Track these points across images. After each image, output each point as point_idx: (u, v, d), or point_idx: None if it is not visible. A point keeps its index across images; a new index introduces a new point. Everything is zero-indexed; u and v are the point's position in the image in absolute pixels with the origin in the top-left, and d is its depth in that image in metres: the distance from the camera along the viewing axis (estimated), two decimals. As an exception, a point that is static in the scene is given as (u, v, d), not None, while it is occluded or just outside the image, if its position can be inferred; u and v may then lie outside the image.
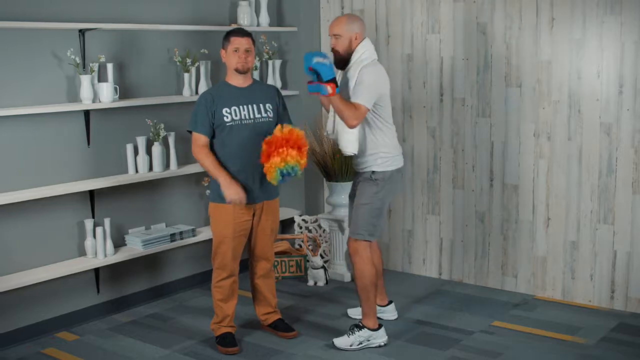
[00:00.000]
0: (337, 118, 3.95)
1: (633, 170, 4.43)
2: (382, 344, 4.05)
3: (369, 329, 4.02)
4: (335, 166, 5.19)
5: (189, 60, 4.90)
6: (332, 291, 5.08)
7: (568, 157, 4.64)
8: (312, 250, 5.34)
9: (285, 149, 3.67)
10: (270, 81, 5.52)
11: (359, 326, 4.03)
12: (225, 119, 3.88)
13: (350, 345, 4.00)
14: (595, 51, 4.47)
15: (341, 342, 4.02)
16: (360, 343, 4.01)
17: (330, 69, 3.71)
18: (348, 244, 4.05)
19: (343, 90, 3.91)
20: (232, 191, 3.83)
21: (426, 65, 5.15)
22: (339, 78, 4.02)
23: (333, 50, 3.97)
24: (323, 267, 5.22)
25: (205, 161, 3.89)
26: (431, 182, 5.24)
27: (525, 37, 4.70)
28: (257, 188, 3.98)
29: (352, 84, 3.85)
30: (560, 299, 4.78)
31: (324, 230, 5.51)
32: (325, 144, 5.27)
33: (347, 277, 5.30)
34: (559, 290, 4.78)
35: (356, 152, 3.94)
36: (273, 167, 3.68)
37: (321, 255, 5.51)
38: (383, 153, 3.96)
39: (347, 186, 5.24)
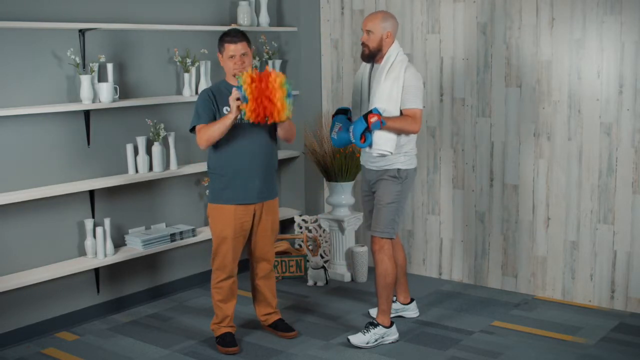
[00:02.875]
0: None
1: (633, 170, 4.43)
2: (395, 340, 4.10)
3: (383, 326, 4.06)
4: (335, 166, 5.19)
5: (189, 60, 4.90)
6: (332, 291, 5.08)
7: (568, 157, 4.64)
8: (312, 250, 5.34)
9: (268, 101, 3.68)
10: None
11: (374, 324, 4.06)
12: None
13: (367, 343, 4.03)
14: (595, 51, 4.47)
15: (357, 339, 4.04)
16: (376, 340, 4.04)
17: (358, 124, 3.82)
18: (372, 242, 4.07)
19: (391, 94, 3.92)
20: (232, 98, 3.73)
21: (426, 65, 5.15)
22: (368, 71, 4.07)
23: (363, 44, 4.01)
24: (323, 267, 5.22)
25: (208, 131, 3.81)
26: (431, 182, 5.24)
27: (525, 37, 4.70)
28: (257, 187, 3.98)
29: (397, 84, 3.90)
30: (560, 299, 4.78)
31: (324, 230, 5.51)
32: (325, 144, 5.27)
33: (347, 277, 5.30)
34: (559, 290, 4.78)
35: (393, 152, 3.95)
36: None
37: (321, 255, 5.51)
38: (406, 151, 4.01)
39: (347, 186, 5.24)
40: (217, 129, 3.81)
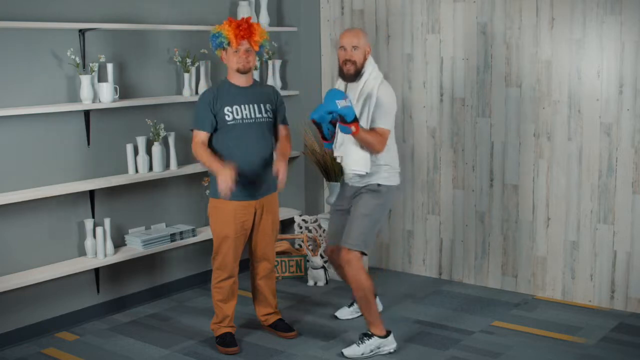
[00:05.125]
0: (344, 137, 3.91)
1: (633, 170, 4.43)
2: (392, 350, 4.00)
3: (378, 336, 3.97)
4: (335, 166, 5.19)
5: (189, 60, 4.90)
6: (332, 291, 5.08)
7: (568, 157, 4.64)
8: (312, 250, 5.34)
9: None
10: (270, 81, 5.51)
11: (368, 335, 3.97)
12: (227, 117, 3.89)
13: (362, 354, 3.94)
14: (595, 51, 4.47)
15: (351, 351, 3.95)
16: (371, 351, 3.96)
17: (352, 109, 3.72)
18: (340, 254, 3.95)
19: (363, 111, 3.87)
20: (223, 179, 3.74)
21: (426, 65, 5.15)
22: (342, 89, 4.00)
23: (348, 61, 3.90)
24: (323, 267, 5.22)
25: (202, 155, 3.88)
26: (431, 182, 5.24)
27: (525, 37, 4.70)
28: (256, 185, 3.99)
29: (372, 102, 3.84)
30: (560, 299, 4.78)
31: (324, 230, 5.50)
32: (325, 144, 5.26)
33: (347, 277, 5.30)
34: (559, 290, 4.78)
35: (368, 171, 3.89)
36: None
37: (321, 255, 5.51)
38: (387, 168, 3.95)
39: (347, 186, 5.23)
40: (204, 162, 3.88)
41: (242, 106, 3.94)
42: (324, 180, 5.61)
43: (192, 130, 3.96)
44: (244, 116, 3.93)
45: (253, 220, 4.05)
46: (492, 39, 4.83)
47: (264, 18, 5.46)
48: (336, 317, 4.54)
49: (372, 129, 3.85)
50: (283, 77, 5.73)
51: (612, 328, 4.28)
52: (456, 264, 5.21)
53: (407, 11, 5.19)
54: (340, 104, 3.71)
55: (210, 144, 3.95)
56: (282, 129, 4.14)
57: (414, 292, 4.94)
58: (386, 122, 3.85)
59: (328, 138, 3.92)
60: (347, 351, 3.97)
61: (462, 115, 5.03)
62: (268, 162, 4.03)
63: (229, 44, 3.89)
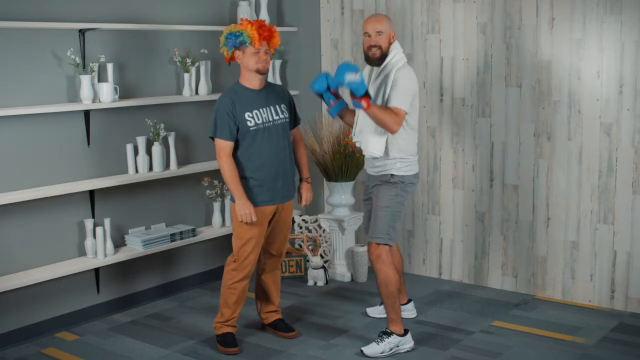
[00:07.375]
0: (363, 119, 3.93)
1: (633, 170, 4.43)
2: (410, 349, 4.01)
3: (397, 334, 3.97)
4: (335, 166, 5.19)
5: (189, 60, 4.90)
6: (332, 291, 5.09)
7: (568, 157, 4.64)
8: (312, 250, 5.34)
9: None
10: (270, 81, 5.51)
11: (387, 333, 3.97)
12: (248, 123, 3.87)
13: (382, 353, 3.93)
14: (595, 51, 4.47)
15: (371, 350, 3.94)
16: (391, 349, 3.95)
17: (362, 83, 3.69)
18: (369, 250, 3.99)
19: (379, 92, 3.88)
20: (245, 211, 3.84)
21: (426, 65, 5.15)
22: (367, 76, 4.02)
23: (374, 47, 3.90)
24: (323, 267, 5.22)
25: (227, 173, 3.86)
26: (431, 182, 5.24)
27: (525, 37, 4.70)
28: (279, 188, 3.99)
29: (388, 82, 3.84)
30: (560, 299, 4.78)
31: (324, 230, 5.51)
32: (325, 144, 5.27)
33: (347, 277, 5.30)
34: (559, 290, 4.78)
35: (382, 155, 3.90)
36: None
37: (321, 255, 5.51)
38: (402, 157, 3.93)
39: (347, 186, 5.24)
40: (227, 181, 3.87)
41: (261, 110, 3.92)
42: (324, 180, 5.60)
43: (212, 138, 3.89)
44: (264, 120, 3.91)
45: (271, 218, 4.07)
46: (492, 39, 4.83)
47: (264, 18, 5.46)
48: (366, 314, 4.56)
49: (387, 108, 3.83)
50: (283, 77, 5.73)
51: (612, 328, 4.28)
52: (456, 264, 5.21)
53: (407, 11, 5.19)
54: (349, 77, 3.67)
55: (235, 148, 3.93)
56: (297, 133, 4.18)
57: (413, 293, 4.94)
58: (401, 102, 3.80)
59: (328, 105, 3.91)
60: (367, 350, 3.96)
61: (462, 115, 5.03)
62: (289, 163, 4.04)
63: (250, 43, 3.86)
